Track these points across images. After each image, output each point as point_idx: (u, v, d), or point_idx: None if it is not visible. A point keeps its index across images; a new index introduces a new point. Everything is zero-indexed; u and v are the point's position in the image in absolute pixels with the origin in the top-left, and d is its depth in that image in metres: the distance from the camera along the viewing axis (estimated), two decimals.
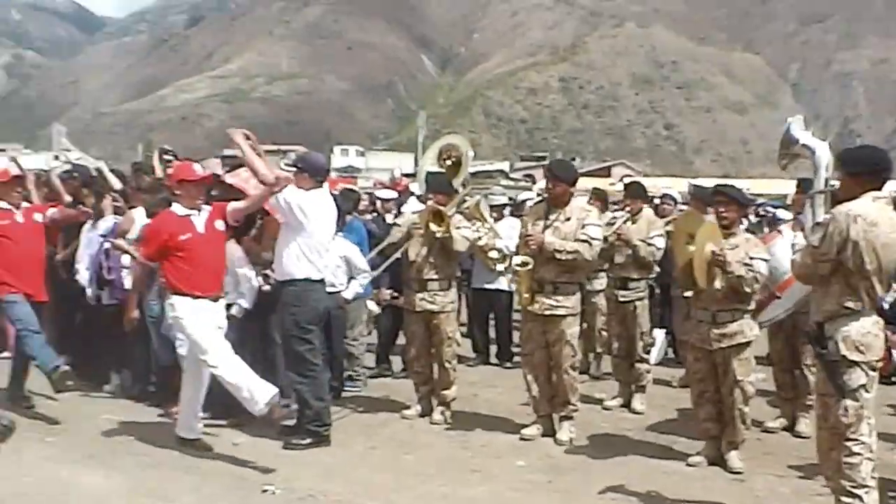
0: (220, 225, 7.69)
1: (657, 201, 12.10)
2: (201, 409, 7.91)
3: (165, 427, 8.35)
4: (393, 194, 13.51)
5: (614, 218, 9.75)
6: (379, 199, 13.16)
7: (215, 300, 7.63)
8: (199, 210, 7.65)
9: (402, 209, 12.23)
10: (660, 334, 11.58)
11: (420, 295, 8.78)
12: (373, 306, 10.61)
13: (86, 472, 7.15)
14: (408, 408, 9.12)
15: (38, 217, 9.11)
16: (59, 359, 8.48)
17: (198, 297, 7.44)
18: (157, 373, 9.45)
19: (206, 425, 8.02)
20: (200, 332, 7.40)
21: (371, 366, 11.01)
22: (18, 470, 6.84)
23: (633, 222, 9.48)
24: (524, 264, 8.10)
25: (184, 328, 7.53)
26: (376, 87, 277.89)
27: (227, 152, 10.32)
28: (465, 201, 9.10)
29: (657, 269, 9.86)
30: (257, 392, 7.18)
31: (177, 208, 7.70)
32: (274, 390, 7.25)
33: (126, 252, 9.45)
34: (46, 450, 7.75)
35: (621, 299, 9.54)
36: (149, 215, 9.42)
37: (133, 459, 7.54)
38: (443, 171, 9.43)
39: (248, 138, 7.83)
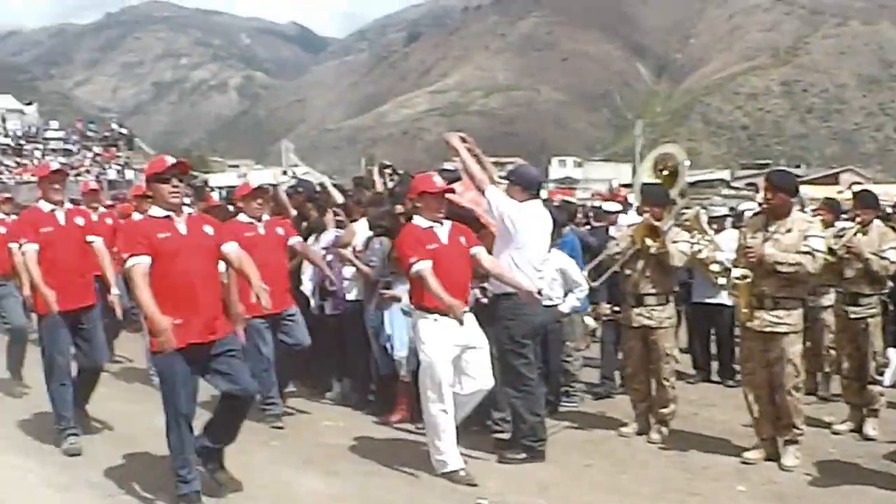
0: (464, 240, 7.48)
1: (889, 210, 11.39)
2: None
3: (383, 435, 8.44)
4: (617, 206, 13.18)
5: (843, 229, 9.20)
6: (605, 211, 12.85)
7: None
8: (441, 222, 7.46)
9: (619, 221, 11.97)
10: (894, 354, 10.85)
11: (637, 310, 8.53)
12: (590, 321, 10.42)
13: (305, 476, 7.28)
14: (625, 425, 8.86)
15: (279, 230, 9.22)
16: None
17: (442, 315, 7.19)
18: (377, 382, 9.54)
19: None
20: (436, 361, 7.22)
21: (588, 381, 10.74)
22: (246, 471, 6.97)
23: (864, 234, 8.86)
24: (743, 277, 7.75)
25: (422, 350, 7.37)
26: (592, 96, 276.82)
27: (448, 165, 10.26)
28: (682, 213, 8.82)
29: (891, 283, 9.24)
30: (448, 453, 7.21)
31: (419, 220, 7.50)
32: (461, 466, 7.22)
33: (351, 262, 9.60)
34: (270, 453, 7.95)
35: (852, 316, 8.91)
36: (370, 228, 9.58)
37: (350, 466, 7.63)
38: (659, 181, 9.18)
39: (464, 141, 7.81)
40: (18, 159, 68.64)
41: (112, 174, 59.94)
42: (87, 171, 61.58)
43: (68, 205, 8.87)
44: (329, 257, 10.07)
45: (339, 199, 11.13)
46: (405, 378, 9.06)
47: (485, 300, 8.34)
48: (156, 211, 6.48)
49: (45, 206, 8.38)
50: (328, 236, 10.34)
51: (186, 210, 6.62)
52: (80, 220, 8.61)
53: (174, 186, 6.41)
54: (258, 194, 9.12)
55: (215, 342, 6.47)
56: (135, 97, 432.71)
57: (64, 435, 8.18)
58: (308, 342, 9.01)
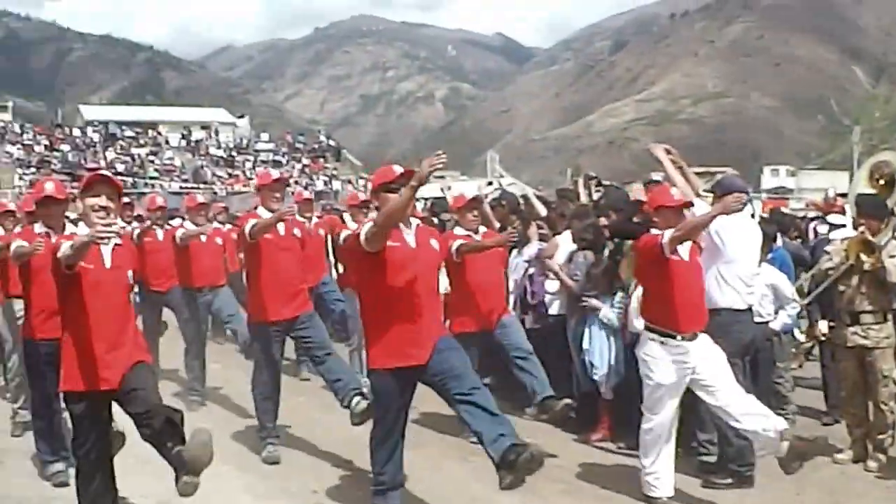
0: (698, 258, 7.19)
1: None
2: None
3: (582, 454, 8.29)
4: (843, 219, 12.55)
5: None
6: (829, 224, 12.28)
7: (692, 338, 6.92)
8: None
9: (832, 234, 11.41)
10: None
11: (852, 329, 8.08)
12: (801, 338, 9.99)
13: (503, 494, 7.15)
14: (840, 451, 8.37)
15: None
16: None
17: (672, 336, 6.89)
18: (578, 398, 9.40)
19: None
20: (661, 384, 6.94)
21: (804, 405, 10.23)
22: (444, 487, 6.95)
23: None
24: None
25: (647, 373, 7.07)
26: (805, 102, 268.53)
27: (655, 176, 10.06)
28: None
29: None
30: (662, 479, 6.99)
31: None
32: (669, 494, 7.01)
33: (556, 275, 9.49)
34: (468, 469, 7.92)
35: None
36: (574, 241, 9.46)
37: (550, 485, 7.50)
38: (875, 192, 8.72)
39: (668, 153, 7.60)
40: (230, 170, 71.11)
41: (319, 185, 61.40)
42: (296, 182, 63.31)
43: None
44: (531, 270, 10.00)
45: (543, 211, 11.03)
46: (607, 396, 8.90)
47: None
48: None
49: (265, 215, 8.40)
50: (531, 249, 10.27)
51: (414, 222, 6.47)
52: (297, 232, 8.71)
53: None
54: (473, 205, 9.04)
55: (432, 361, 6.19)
56: (343, 109, 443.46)
57: (265, 443, 8.43)
58: (530, 347, 8.86)
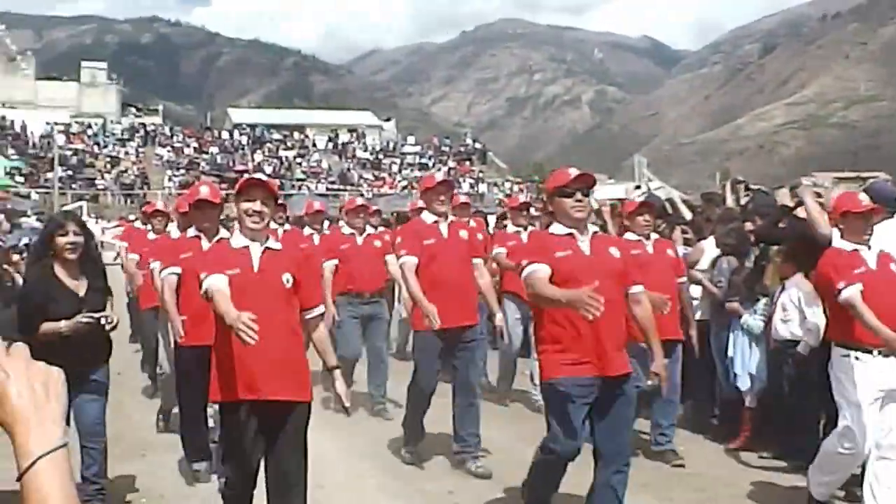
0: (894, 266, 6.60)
1: None
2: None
3: (723, 462, 8.18)
4: None
5: None
6: None
7: (888, 354, 6.23)
8: (868, 245, 6.58)
9: None
10: None
11: None
12: None
13: (641, 500, 7.09)
14: None
15: (669, 251, 8.82)
16: None
17: (868, 352, 6.31)
18: (721, 406, 9.26)
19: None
20: (858, 404, 6.32)
21: None
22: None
23: None
24: None
25: (841, 391, 6.46)
26: None
27: (805, 181, 9.87)
28: None
29: None
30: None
31: (841, 243, 6.63)
32: None
33: (699, 283, 9.38)
34: None
35: None
36: (717, 246, 9.33)
37: (686, 492, 7.41)
38: None
39: (818, 196, 7.48)
40: (376, 172, 72.11)
41: (465, 188, 61.71)
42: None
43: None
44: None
45: (688, 215, 10.91)
46: (750, 404, 8.76)
47: None
48: (557, 228, 5.95)
49: (429, 218, 8.15)
50: None
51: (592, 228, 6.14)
52: (464, 234, 8.27)
53: (578, 201, 5.81)
54: (644, 210, 8.84)
55: (619, 378, 5.82)
56: (489, 112, 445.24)
57: (406, 449, 8.45)
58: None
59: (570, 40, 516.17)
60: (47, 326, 6.12)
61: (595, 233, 6.12)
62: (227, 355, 5.48)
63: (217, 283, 5.35)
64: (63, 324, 6.11)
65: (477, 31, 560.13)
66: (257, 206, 5.55)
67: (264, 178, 6.02)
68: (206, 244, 7.07)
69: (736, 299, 8.84)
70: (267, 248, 5.63)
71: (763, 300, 8.64)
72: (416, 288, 7.78)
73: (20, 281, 14.69)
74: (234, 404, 5.53)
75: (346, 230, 10.93)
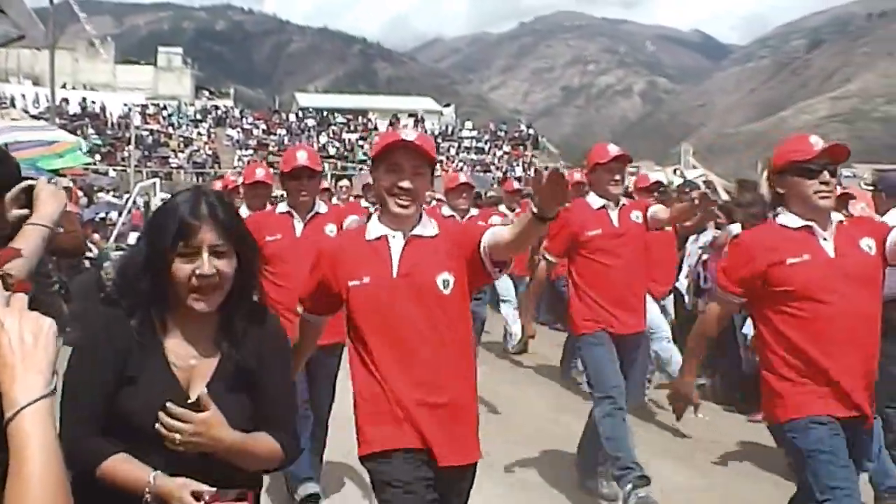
0: None
1: None
2: None
3: (746, 434, 8.26)
4: None
5: None
6: None
7: None
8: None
9: None
10: None
11: None
12: None
13: (663, 464, 7.16)
14: None
15: None
16: None
17: None
18: (742, 382, 9.32)
19: None
20: None
21: None
22: None
23: None
24: None
25: None
26: None
27: (846, 172, 9.86)
28: None
29: None
30: None
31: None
32: None
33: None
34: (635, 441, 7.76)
35: None
36: (742, 230, 9.37)
37: (707, 460, 7.48)
38: None
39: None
40: (436, 156, 72.32)
41: (518, 172, 61.69)
42: (497, 168, 64.02)
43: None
44: (705, 257, 9.94)
45: (723, 198, 10.95)
46: None
47: None
48: (788, 219, 4.25)
49: (594, 203, 6.43)
50: (706, 236, 10.21)
51: None
52: (636, 216, 6.56)
53: (824, 183, 4.10)
54: (655, 187, 9.01)
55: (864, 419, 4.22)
56: (544, 101, 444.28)
57: (629, 485, 6.07)
58: None
59: (623, 32, 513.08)
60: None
61: (840, 222, 4.35)
62: (374, 391, 3.78)
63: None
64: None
65: (535, 23, 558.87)
66: (406, 181, 3.75)
67: (413, 135, 3.76)
68: (298, 224, 5.99)
69: None
70: (414, 236, 3.83)
71: None
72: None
73: (95, 251, 14.90)
74: (376, 455, 3.76)
75: (447, 211, 9.40)
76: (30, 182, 3.31)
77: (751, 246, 4.32)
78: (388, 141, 3.79)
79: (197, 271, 2.65)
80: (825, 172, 4.13)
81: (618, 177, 6.21)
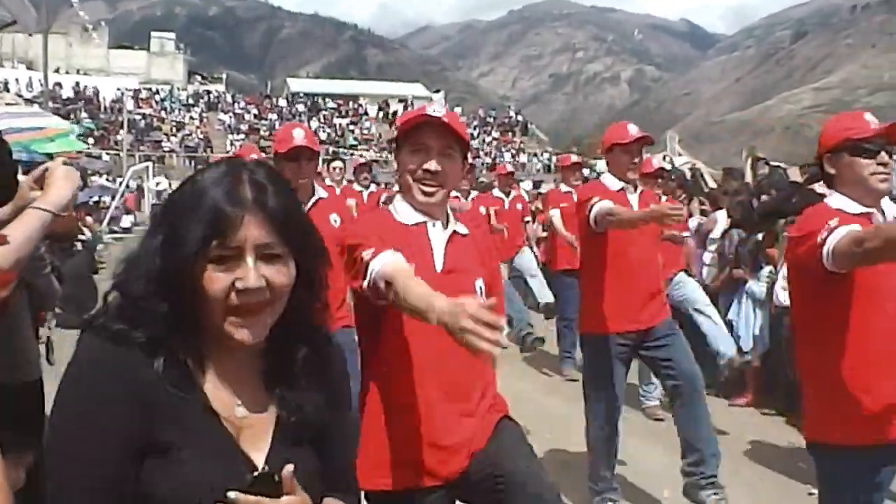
0: None
1: None
2: None
3: (727, 417, 8.31)
4: None
5: None
6: None
7: None
8: None
9: None
10: None
11: None
12: None
13: (645, 447, 7.19)
14: None
15: None
16: None
17: None
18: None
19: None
20: None
21: None
22: None
23: None
24: None
25: None
26: None
27: None
28: None
29: None
30: None
31: None
32: None
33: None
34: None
35: None
36: (728, 217, 9.44)
37: None
38: None
39: None
40: None
41: (507, 158, 61.74)
42: (486, 154, 64.16)
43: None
44: (690, 243, 9.98)
45: (710, 186, 11.00)
46: (754, 363, 8.85)
47: None
48: (842, 202, 3.59)
49: (612, 185, 5.83)
50: (691, 223, 10.24)
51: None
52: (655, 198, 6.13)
53: (882, 164, 3.57)
54: (659, 173, 8.92)
55: None
56: (533, 87, 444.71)
57: (601, 499, 5.97)
58: None
59: (611, 21, 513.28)
60: None
61: None
62: (390, 421, 3.23)
63: (393, 261, 2.91)
64: None
65: (524, 10, 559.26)
66: (432, 162, 3.23)
67: (441, 111, 3.21)
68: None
69: (741, 268, 8.94)
70: (455, 232, 3.36)
71: (767, 268, 8.72)
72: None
73: (88, 234, 14.85)
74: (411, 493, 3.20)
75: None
76: (49, 164, 3.09)
77: (820, 216, 3.54)
78: (413, 117, 3.26)
79: (238, 283, 1.75)
80: (883, 153, 3.66)
81: (637, 160, 5.63)
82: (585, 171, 13.72)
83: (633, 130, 5.58)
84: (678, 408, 5.84)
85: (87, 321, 1.80)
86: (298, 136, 5.37)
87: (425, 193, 3.21)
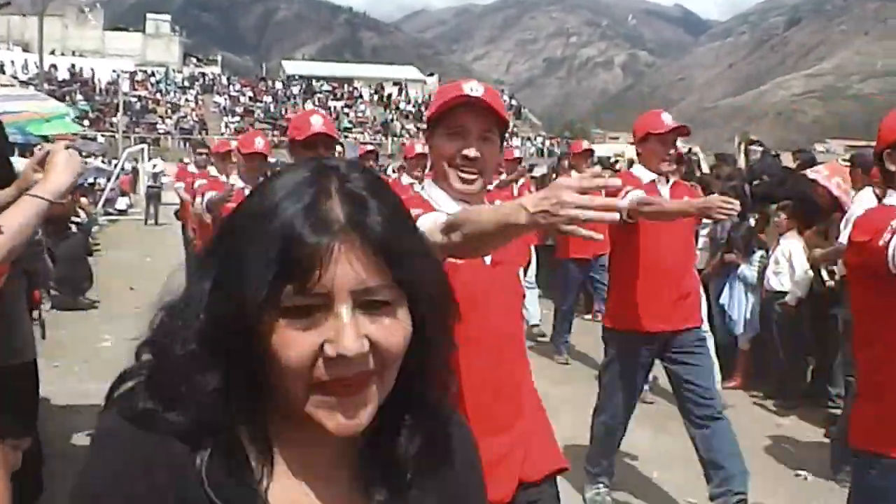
0: None
1: None
2: None
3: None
4: None
5: None
6: None
7: None
8: None
9: None
10: None
11: None
12: None
13: (640, 432, 7.18)
14: None
15: None
16: None
17: None
18: (717, 349, 9.40)
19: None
20: None
21: None
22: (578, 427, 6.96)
23: None
24: None
25: None
26: None
27: (819, 147, 9.86)
28: None
29: None
30: None
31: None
32: None
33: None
34: None
35: None
36: None
37: (680, 427, 7.52)
38: None
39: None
40: (418, 124, 72.25)
41: (514, 142, 61.86)
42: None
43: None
44: None
45: (705, 169, 11.00)
46: (743, 347, 8.89)
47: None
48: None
49: (644, 176, 5.39)
50: None
51: None
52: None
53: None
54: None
55: None
56: (527, 72, 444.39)
57: (594, 482, 5.89)
58: None
59: (605, 6, 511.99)
60: None
61: None
62: None
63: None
64: None
65: None
66: (471, 149, 2.84)
67: (480, 90, 2.83)
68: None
69: (733, 252, 8.95)
70: None
71: (759, 253, 8.73)
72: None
73: (83, 216, 14.79)
74: None
75: (406, 180, 9.18)
76: (50, 146, 2.99)
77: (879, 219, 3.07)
78: (450, 97, 2.83)
79: (328, 348, 1.10)
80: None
81: (672, 151, 5.30)
82: None
83: (668, 119, 5.28)
84: (694, 429, 5.49)
85: (109, 393, 1.19)
86: (317, 123, 4.94)
87: (464, 181, 2.84)
